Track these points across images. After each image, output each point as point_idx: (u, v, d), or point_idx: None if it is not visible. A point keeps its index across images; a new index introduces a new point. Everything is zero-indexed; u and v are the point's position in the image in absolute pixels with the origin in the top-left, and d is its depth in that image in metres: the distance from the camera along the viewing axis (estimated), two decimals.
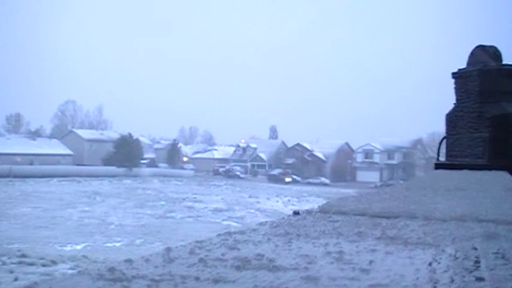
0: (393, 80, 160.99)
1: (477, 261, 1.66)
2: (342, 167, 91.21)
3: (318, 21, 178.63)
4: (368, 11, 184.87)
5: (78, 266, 18.82)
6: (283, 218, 2.59)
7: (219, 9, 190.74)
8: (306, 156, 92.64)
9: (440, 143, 8.13)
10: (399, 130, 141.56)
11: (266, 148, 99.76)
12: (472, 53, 7.45)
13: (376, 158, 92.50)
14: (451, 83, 7.55)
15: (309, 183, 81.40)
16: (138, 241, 27.20)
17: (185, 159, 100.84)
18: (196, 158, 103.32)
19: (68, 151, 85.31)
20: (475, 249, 1.86)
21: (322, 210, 2.84)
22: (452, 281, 1.42)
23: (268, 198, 55.33)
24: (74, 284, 1.31)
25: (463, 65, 7.47)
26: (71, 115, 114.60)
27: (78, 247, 24.76)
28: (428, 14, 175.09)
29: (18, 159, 75.77)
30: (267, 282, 1.36)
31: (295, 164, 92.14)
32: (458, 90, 7.39)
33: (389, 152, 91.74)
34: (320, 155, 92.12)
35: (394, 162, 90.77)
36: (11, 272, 18.14)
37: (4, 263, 19.60)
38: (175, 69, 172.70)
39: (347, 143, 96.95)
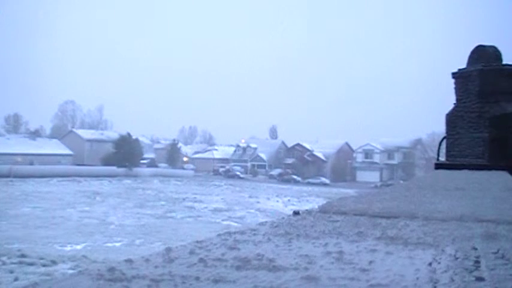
0: (393, 80, 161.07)
1: (477, 261, 1.66)
2: (342, 167, 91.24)
3: (317, 21, 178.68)
4: (368, 11, 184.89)
5: (78, 266, 18.80)
6: (283, 218, 2.59)
7: (219, 9, 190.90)
8: (306, 156, 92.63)
9: (440, 143, 8.14)
10: (399, 130, 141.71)
11: (266, 148, 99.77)
12: (472, 53, 7.46)
13: (376, 158, 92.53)
14: (451, 83, 7.56)
15: (309, 183, 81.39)
16: (138, 241, 27.19)
17: (185, 159, 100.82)
18: (196, 158, 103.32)
19: (68, 151, 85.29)
20: (475, 249, 1.86)
21: (322, 210, 2.84)
22: (452, 281, 1.42)
23: (268, 198, 55.33)
24: (74, 284, 1.31)
25: (463, 65, 7.47)
26: (70, 115, 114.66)
27: (78, 247, 24.74)
28: (429, 14, 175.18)
29: (18, 159, 75.76)
30: (267, 282, 1.36)
31: (295, 164, 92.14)
32: (458, 90, 7.40)
33: (389, 152, 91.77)
34: (320, 155, 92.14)
35: (394, 162, 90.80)
36: (11, 272, 18.14)
37: (4, 263, 19.59)
38: (176, 69, 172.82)
39: (347, 143, 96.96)
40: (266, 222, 2.43)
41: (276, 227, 2.27)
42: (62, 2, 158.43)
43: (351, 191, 48.24)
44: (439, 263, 1.64)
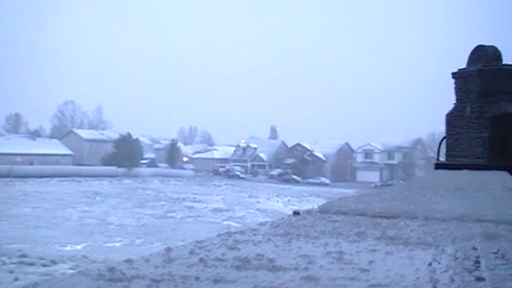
0: (393, 80, 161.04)
1: (477, 261, 1.66)
2: (342, 167, 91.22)
3: (317, 21, 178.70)
4: (367, 11, 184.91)
5: (78, 266, 18.80)
6: (283, 218, 2.59)
7: (219, 9, 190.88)
8: (306, 156, 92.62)
9: (440, 143, 8.14)
10: (399, 130, 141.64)
11: (266, 148, 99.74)
12: (472, 53, 7.46)
13: (376, 158, 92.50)
14: (451, 83, 7.57)
15: (309, 183, 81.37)
16: (138, 241, 27.20)
17: (185, 159, 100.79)
18: (196, 158, 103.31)
19: (68, 151, 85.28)
20: (475, 249, 1.86)
21: (322, 210, 2.84)
22: (452, 281, 1.42)
23: (268, 198, 55.33)
24: (74, 284, 1.31)
25: (463, 65, 7.48)
26: (70, 115, 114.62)
27: (78, 247, 24.75)
28: (429, 14, 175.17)
29: (18, 159, 75.76)
30: (267, 282, 1.36)
31: (295, 164, 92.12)
32: (458, 90, 7.41)
33: (389, 152, 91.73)
34: (320, 155, 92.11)
35: (394, 162, 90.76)
36: (11, 272, 18.14)
37: (4, 263, 19.60)
38: (176, 69, 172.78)
39: (347, 143, 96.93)
40: (266, 222, 2.42)
41: (276, 227, 2.27)
42: (62, 2, 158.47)
43: (350, 191, 48.23)
44: (439, 263, 1.64)
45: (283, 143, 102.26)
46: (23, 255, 20.90)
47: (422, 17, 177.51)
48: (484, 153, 6.81)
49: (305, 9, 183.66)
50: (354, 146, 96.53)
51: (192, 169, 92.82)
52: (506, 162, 6.36)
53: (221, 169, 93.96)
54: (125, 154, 77.92)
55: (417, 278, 1.44)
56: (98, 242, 26.41)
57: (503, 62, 7.33)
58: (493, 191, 4.02)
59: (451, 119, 7.43)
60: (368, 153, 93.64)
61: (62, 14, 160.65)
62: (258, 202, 51.23)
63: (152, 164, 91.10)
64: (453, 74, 7.52)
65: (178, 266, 1.50)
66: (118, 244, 26.31)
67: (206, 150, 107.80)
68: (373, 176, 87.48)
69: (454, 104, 7.48)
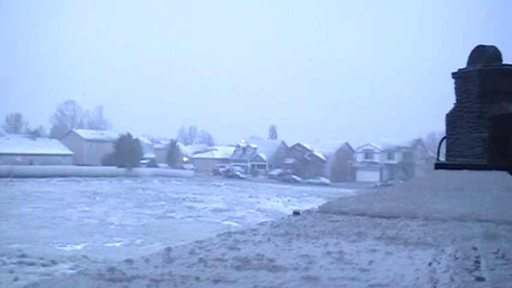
0: (393, 79, 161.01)
1: (477, 261, 1.65)
2: (342, 167, 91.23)
3: (317, 20, 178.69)
4: (367, 10, 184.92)
5: (78, 266, 18.81)
6: (283, 218, 2.59)
7: (219, 9, 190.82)
8: (306, 156, 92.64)
9: (440, 143, 8.14)
10: (399, 130, 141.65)
11: (266, 148, 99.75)
12: (472, 53, 7.46)
13: (376, 158, 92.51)
14: (451, 83, 7.57)
15: (309, 183, 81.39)
16: (138, 241, 27.20)
17: (185, 159, 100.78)
18: (196, 158, 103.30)
19: (68, 151, 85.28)
20: (475, 249, 1.86)
21: (322, 210, 2.84)
22: (452, 281, 1.42)
23: (268, 198, 55.33)
24: (74, 284, 1.31)
25: (463, 65, 7.47)
26: (70, 115, 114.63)
27: (78, 247, 24.76)
28: (428, 14, 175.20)
29: (18, 159, 75.77)
30: (267, 282, 1.36)
31: (295, 164, 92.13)
32: (458, 90, 7.40)
33: (389, 152, 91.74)
34: (320, 155, 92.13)
35: (394, 162, 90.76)
36: (11, 272, 18.15)
37: (4, 263, 19.60)
38: (175, 70, 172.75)
39: (347, 143, 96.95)
40: (266, 222, 2.42)
41: (276, 227, 2.27)
42: (62, 2, 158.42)
43: (350, 191, 48.22)
44: (439, 263, 1.64)
45: (283, 143, 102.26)
46: (23, 255, 20.91)
47: (423, 16, 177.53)
48: (484, 153, 6.81)
49: (305, 9, 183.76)
50: (354, 146, 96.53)
51: (192, 169, 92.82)
52: (506, 162, 6.36)
53: (221, 169, 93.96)
54: (125, 154, 77.93)
55: (417, 278, 1.44)
56: (98, 242, 26.42)
57: (503, 62, 7.33)
58: (493, 191, 4.01)
59: (451, 119, 7.43)
60: (368, 153, 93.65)
61: (62, 14, 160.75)
62: (258, 202, 51.24)
63: (152, 164, 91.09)
64: (453, 74, 7.51)
65: (178, 266, 1.50)
66: (118, 244, 26.32)
67: (206, 150, 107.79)
68: (373, 176, 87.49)
69: (454, 104, 7.48)
